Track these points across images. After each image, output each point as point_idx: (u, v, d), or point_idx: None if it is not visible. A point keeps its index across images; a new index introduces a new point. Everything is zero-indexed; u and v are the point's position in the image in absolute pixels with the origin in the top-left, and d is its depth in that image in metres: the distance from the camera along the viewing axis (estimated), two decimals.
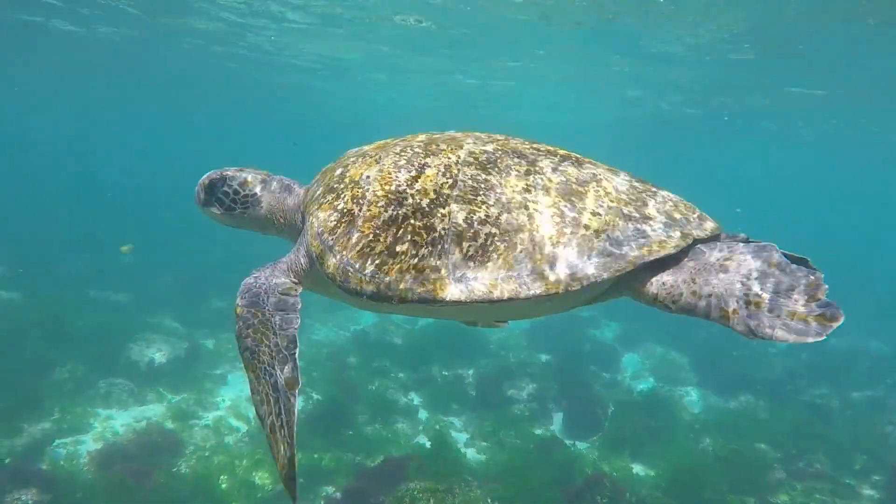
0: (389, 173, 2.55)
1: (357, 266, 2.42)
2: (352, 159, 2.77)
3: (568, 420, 11.80)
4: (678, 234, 2.42)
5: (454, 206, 2.42)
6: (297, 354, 2.48)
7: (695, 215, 2.52)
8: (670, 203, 2.54)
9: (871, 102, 19.27)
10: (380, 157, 2.66)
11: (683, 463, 9.37)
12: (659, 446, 10.49)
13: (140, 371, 11.75)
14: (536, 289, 2.29)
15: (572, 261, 2.33)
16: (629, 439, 10.75)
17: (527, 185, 2.46)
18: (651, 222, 2.44)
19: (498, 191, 2.44)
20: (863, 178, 39.82)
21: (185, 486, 7.96)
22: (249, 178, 3.11)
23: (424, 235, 2.38)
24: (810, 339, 2.04)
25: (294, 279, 2.75)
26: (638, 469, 9.96)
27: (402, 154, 2.64)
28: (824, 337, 2.05)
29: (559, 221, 2.38)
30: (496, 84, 22.67)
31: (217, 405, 11.43)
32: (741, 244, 2.42)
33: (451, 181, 2.48)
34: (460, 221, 2.39)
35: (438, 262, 2.35)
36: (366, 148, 2.89)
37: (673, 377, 14.79)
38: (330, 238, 2.51)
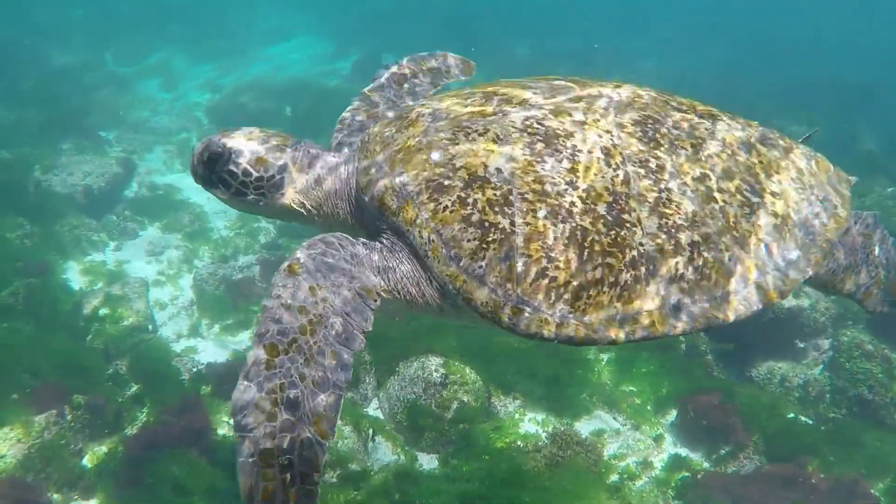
0: (531, 164, 1.96)
1: (536, 304, 1.88)
2: (444, 134, 2.08)
3: None
4: (839, 201, 2.28)
5: (640, 211, 1.94)
6: (344, 390, 1.80)
7: (832, 171, 2.39)
8: (814, 162, 2.36)
9: None
10: (496, 134, 2.03)
11: None
12: None
13: None
14: (758, 304, 2.01)
15: (778, 260, 2.07)
16: None
17: (703, 170, 2.06)
18: (814, 191, 2.24)
19: (677, 181, 2.01)
20: None
21: None
22: (264, 154, 2.27)
23: (619, 256, 1.89)
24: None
25: (383, 288, 2.06)
26: None
27: (531, 131, 2.03)
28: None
29: (749, 213, 2.06)
30: None
31: None
32: (871, 230, 2.66)
33: (620, 175, 1.98)
34: (655, 231, 1.93)
35: (648, 289, 1.92)
36: (445, 109, 2.20)
37: None
38: (475, 266, 1.90)
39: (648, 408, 6.43)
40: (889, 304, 2.57)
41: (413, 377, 5.82)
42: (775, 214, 2.09)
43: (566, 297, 1.88)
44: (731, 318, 1.97)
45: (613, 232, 1.90)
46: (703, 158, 2.08)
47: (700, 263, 1.95)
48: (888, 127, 13.66)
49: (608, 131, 2.05)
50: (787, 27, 24.64)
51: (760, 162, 2.18)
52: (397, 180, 2.04)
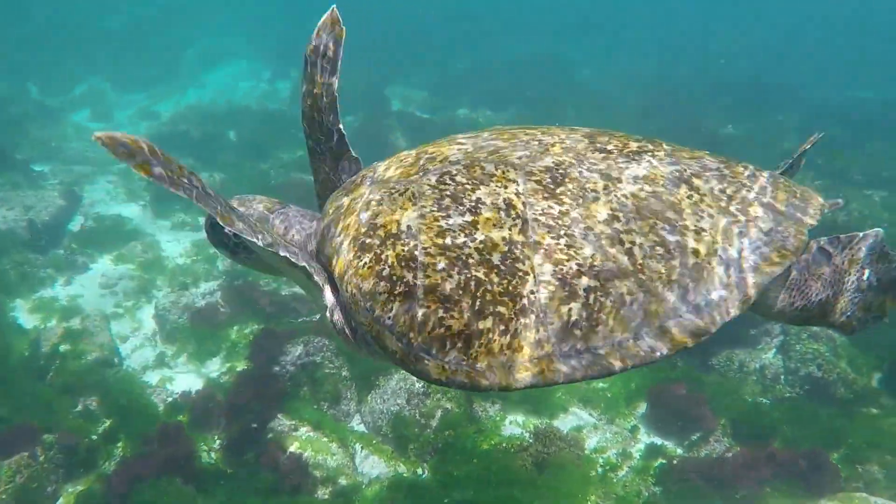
0: (436, 220, 2.06)
1: (433, 352, 1.97)
2: (374, 196, 2.24)
3: None
4: (792, 231, 2.10)
5: (535, 259, 1.97)
6: (257, 235, 2.06)
7: (797, 197, 2.19)
8: (770, 189, 2.18)
9: None
10: (413, 193, 2.16)
11: None
12: None
13: None
14: (663, 349, 1.94)
15: (695, 301, 1.98)
16: None
17: (612, 210, 2.03)
18: (759, 223, 2.09)
19: (580, 225, 2.01)
20: None
21: None
22: None
23: (510, 304, 1.93)
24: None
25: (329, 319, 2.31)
26: None
27: (442, 187, 2.14)
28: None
29: (663, 253, 1.99)
30: None
31: None
32: (846, 251, 2.36)
33: (519, 224, 2.01)
34: (549, 279, 1.94)
35: (538, 336, 1.92)
36: (383, 171, 2.36)
37: None
38: (386, 317, 2.03)
39: (621, 401, 6.69)
40: (873, 320, 2.32)
41: (395, 389, 5.89)
42: (696, 253, 2.00)
43: (459, 345, 1.94)
44: (629, 364, 1.94)
45: (506, 281, 1.94)
46: (614, 200, 2.05)
47: (596, 309, 1.93)
48: (808, 123, 14.68)
49: (514, 181, 2.09)
50: (713, 33, 26.11)
51: (690, 197, 2.09)
52: (336, 240, 2.23)
